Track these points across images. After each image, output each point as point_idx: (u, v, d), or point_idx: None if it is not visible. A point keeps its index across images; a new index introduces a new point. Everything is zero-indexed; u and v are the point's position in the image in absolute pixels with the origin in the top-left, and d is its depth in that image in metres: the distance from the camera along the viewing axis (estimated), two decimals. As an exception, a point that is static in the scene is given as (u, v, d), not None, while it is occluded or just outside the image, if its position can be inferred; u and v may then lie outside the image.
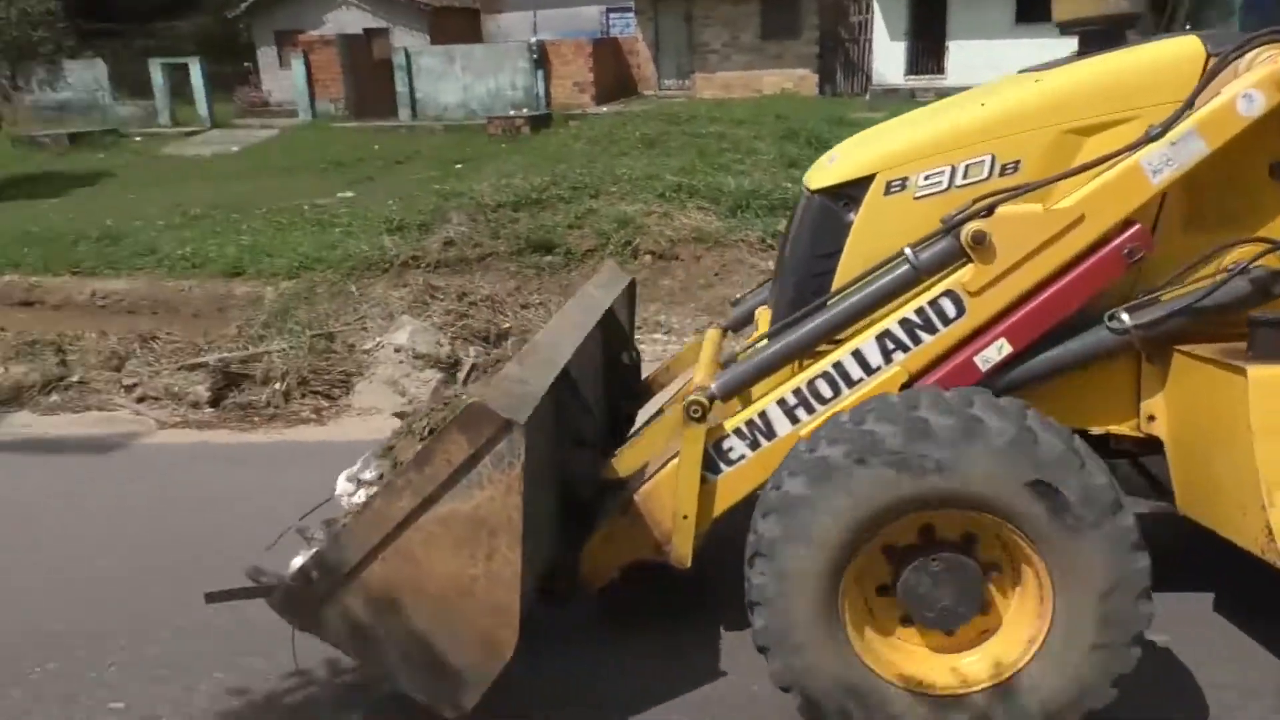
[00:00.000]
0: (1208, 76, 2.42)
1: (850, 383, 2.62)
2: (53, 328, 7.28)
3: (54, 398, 5.99)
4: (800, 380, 2.64)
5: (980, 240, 2.53)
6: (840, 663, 2.36)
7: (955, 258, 2.57)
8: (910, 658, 2.43)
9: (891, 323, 2.61)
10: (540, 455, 2.52)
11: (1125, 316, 2.54)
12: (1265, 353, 2.39)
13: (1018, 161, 2.59)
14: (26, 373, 6.19)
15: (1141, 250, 2.50)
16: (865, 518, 2.31)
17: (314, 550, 2.50)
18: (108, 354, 6.31)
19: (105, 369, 6.23)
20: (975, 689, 2.36)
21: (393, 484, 2.34)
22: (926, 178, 2.64)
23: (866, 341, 2.62)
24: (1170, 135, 2.45)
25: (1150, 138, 2.46)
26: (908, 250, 2.59)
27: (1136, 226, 2.51)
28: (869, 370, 2.61)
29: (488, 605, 2.35)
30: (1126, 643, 2.28)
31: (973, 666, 2.40)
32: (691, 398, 2.63)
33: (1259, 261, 2.50)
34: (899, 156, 2.68)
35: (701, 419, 2.62)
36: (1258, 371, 2.35)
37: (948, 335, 2.60)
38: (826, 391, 2.63)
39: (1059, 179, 2.53)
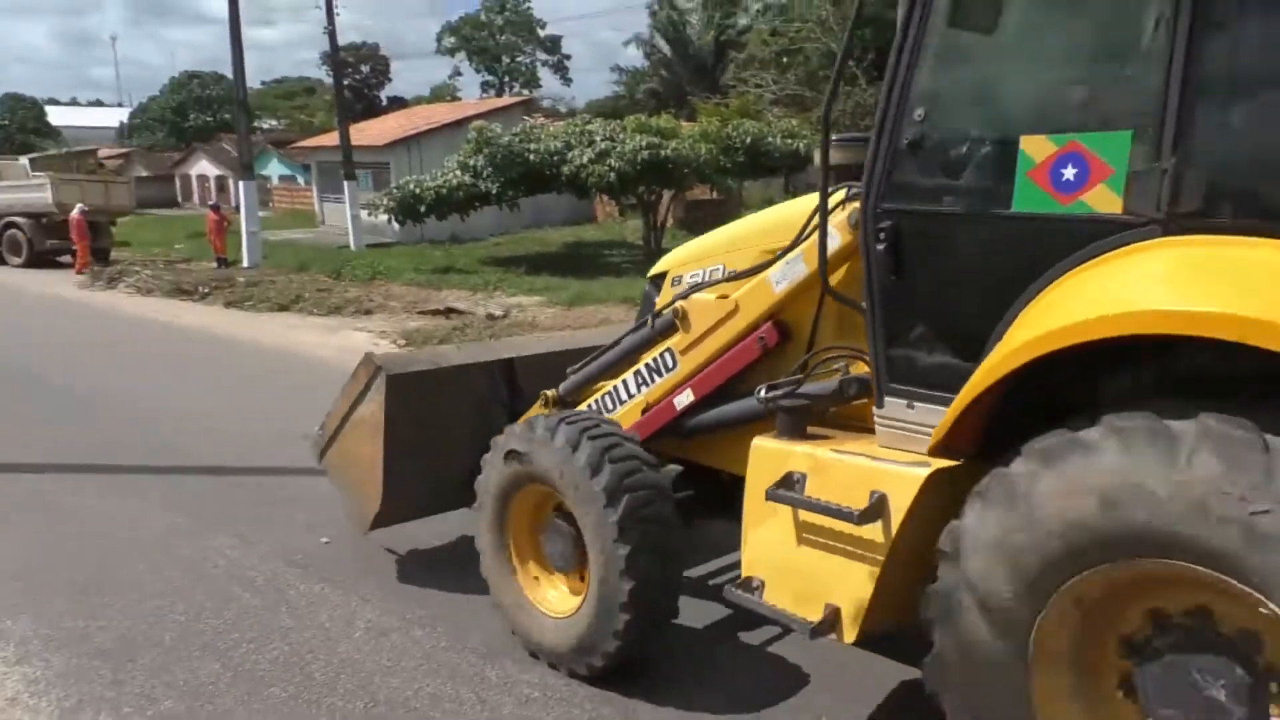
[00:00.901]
0: (817, 214, 3.03)
1: (621, 402, 3.94)
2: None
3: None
4: (598, 394, 4.07)
5: (682, 315, 3.71)
6: None
7: (674, 327, 3.75)
8: None
9: (640, 366, 3.87)
10: (440, 400, 4.46)
11: (763, 392, 3.23)
12: (782, 429, 3.05)
13: (736, 270, 3.56)
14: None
15: (771, 341, 3.40)
16: (505, 484, 3.78)
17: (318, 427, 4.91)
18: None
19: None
20: None
21: (344, 392, 4.60)
22: (691, 276, 3.76)
23: (628, 376, 3.94)
24: (786, 258, 3.32)
25: (777, 259, 3.35)
26: (649, 318, 3.86)
27: (769, 323, 3.42)
28: (630, 395, 3.91)
29: (373, 478, 4.45)
30: None
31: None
32: (547, 392, 4.35)
33: (855, 366, 3.12)
34: (678, 262, 3.89)
35: (547, 405, 4.33)
36: (757, 440, 3.06)
37: (667, 381, 3.77)
38: (610, 404, 3.97)
39: (730, 280, 3.57)
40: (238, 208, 23.50)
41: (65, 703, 3.85)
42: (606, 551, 3.39)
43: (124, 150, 58.93)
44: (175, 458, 7.00)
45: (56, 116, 75.10)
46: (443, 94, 71.78)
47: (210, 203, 25.94)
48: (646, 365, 3.84)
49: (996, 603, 2.15)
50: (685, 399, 3.69)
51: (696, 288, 3.68)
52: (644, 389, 3.84)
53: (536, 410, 4.38)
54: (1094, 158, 2.33)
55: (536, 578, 3.88)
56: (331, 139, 30.10)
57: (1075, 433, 2.09)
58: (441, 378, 4.54)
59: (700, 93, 34.87)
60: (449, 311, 14.35)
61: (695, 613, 4.20)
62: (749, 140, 19.49)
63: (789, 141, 19.74)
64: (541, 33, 73.98)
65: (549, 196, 21.22)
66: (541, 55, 74.88)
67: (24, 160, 31.15)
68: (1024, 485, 2.13)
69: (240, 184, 22.26)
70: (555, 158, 18.51)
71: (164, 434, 7.67)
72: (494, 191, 18.83)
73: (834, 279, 3.04)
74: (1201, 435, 1.87)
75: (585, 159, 18.00)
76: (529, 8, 73.95)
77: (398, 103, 73.47)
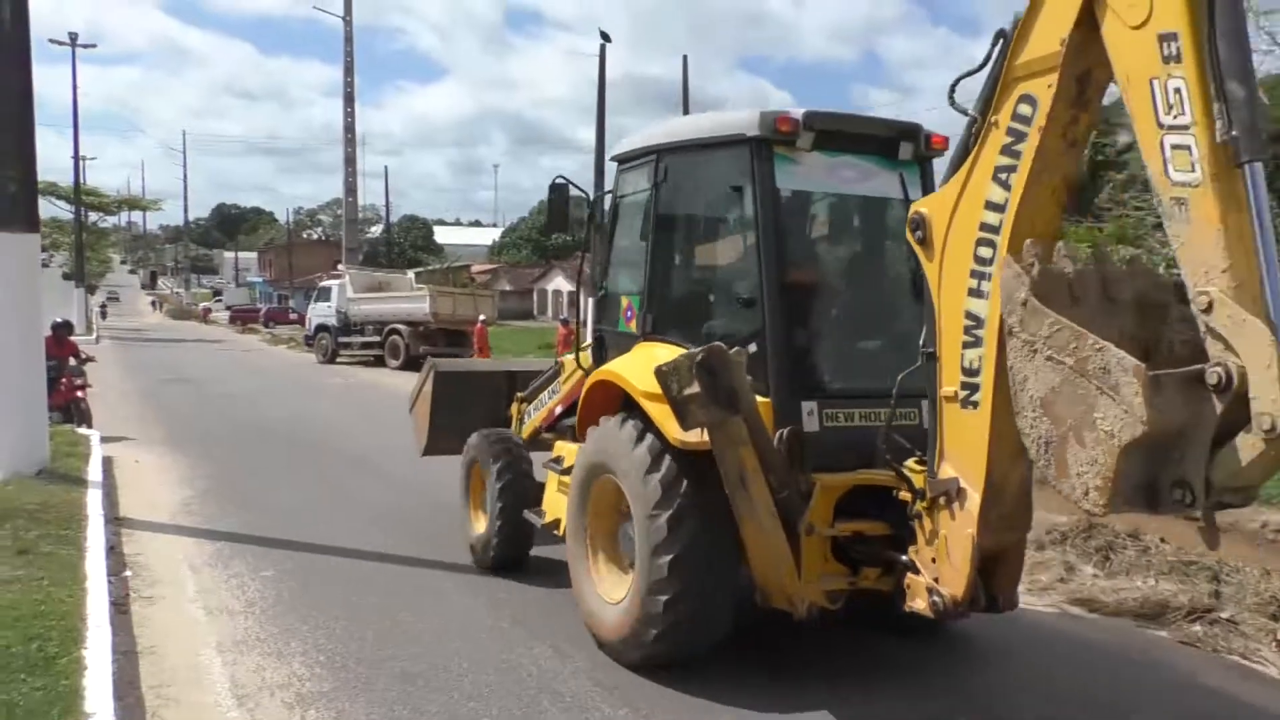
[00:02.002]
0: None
1: (543, 404, 7.46)
2: (1207, 554, 6.65)
3: (1196, 627, 5.50)
4: (538, 399, 7.59)
5: (561, 367, 7.31)
6: None
7: (559, 372, 7.35)
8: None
9: (549, 389, 7.41)
10: (469, 391, 8.45)
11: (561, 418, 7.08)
12: (562, 435, 7.14)
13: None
14: (1175, 593, 5.88)
15: (578, 391, 6.51)
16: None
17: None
18: (1266, 598, 5.71)
19: (1260, 614, 5.67)
20: None
21: (419, 379, 8.91)
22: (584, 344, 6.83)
23: (545, 393, 7.45)
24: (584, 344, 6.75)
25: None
26: (556, 363, 7.60)
27: (580, 378, 6.58)
28: (545, 403, 7.43)
29: (423, 427, 8.60)
30: None
31: None
32: (519, 394, 7.88)
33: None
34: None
35: (518, 402, 7.86)
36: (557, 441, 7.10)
37: (554, 400, 7.27)
38: (540, 404, 7.50)
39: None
40: (585, 322, 25.42)
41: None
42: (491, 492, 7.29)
43: (493, 266, 66.69)
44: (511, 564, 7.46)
45: (442, 235, 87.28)
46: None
47: (561, 317, 28.40)
48: (550, 389, 7.44)
49: (575, 491, 5.84)
50: (558, 410, 7.29)
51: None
52: (550, 400, 7.41)
53: (515, 405, 7.92)
54: (632, 306, 5.96)
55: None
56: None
57: (600, 425, 5.66)
58: (467, 377, 8.74)
59: (1069, 215, 33.05)
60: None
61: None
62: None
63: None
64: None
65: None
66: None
67: (411, 274, 36.33)
68: (587, 446, 5.71)
69: (589, 300, 24.15)
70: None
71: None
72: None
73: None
74: (612, 425, 5.49)
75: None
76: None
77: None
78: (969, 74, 4.15)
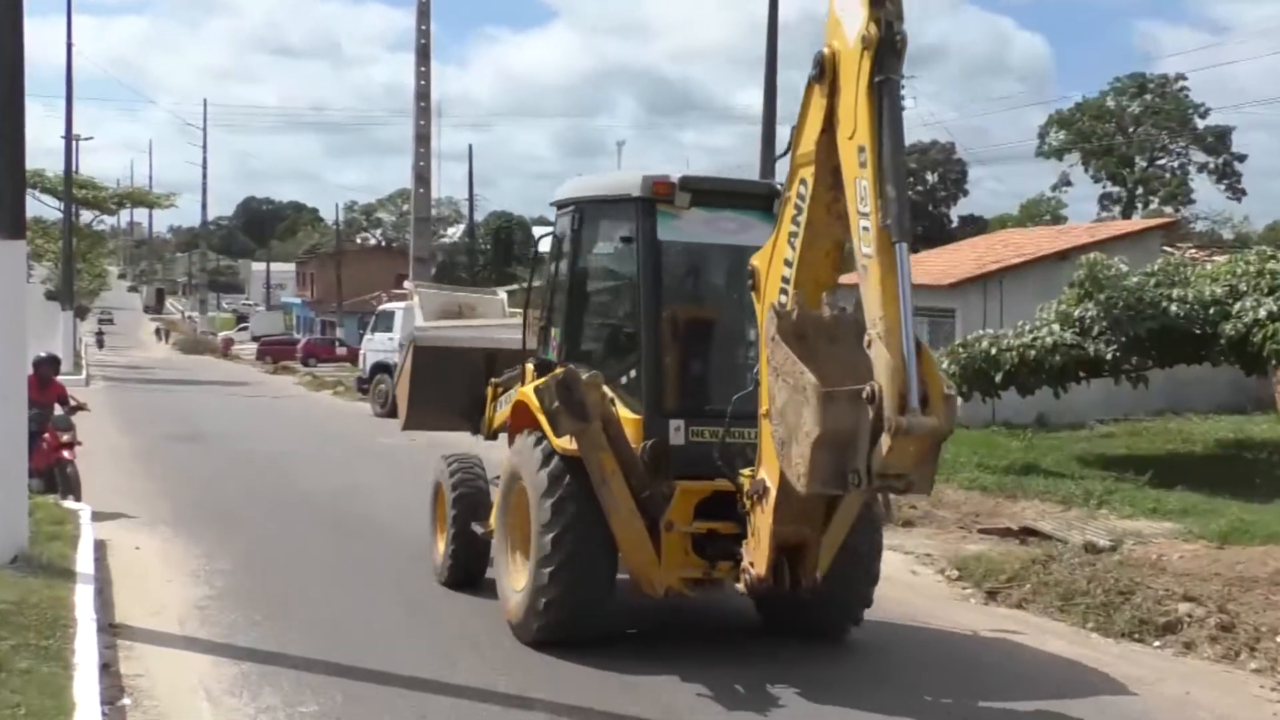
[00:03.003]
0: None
1: (509, 400, 10.40)
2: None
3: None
4: (511, 393, 10.42)
5: (526, 373, 10.18)
6: None
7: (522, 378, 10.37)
8: None
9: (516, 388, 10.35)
10: (449, 366, 11.82)
11: None
12: None
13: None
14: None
15: None
16: None
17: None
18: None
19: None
20: None
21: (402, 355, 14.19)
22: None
23: (513, 389, 10.31)
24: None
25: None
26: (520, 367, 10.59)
27: None
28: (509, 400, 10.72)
29: (403, 400, 12.49)
30: None
31: None
32: (494, 380, 11.23)
33: None
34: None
35: (493, 388, 11.15)
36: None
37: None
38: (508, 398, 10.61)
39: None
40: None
41: None
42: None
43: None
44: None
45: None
46: (1038, 211, 72.71)
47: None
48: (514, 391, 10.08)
49: (499, 498, 9.62)
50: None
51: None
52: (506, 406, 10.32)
53: (491, 390, 10.93)
54: (555, 337, 9.62)
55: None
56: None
57: (517, 440, 9.44)
58: (447, 353, 11.45)
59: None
60: (1026, 533, 14.07)
61: None
62: None
63: None
64: (1201, 123, 71.94)
65: (1197, 369, 20.40)
66: (1198, 156, 72.74)
67: (503, 294, 36.96)
68: (508, 459, 9.40)
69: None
70: (1212, 310, 17.89)
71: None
72: (1108, 357, 18.52)
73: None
74: (524, 439, 9.23)
75: (1263, 313, 17.23)
76: (1184, 88, 72.16)
77: (972, 224, 76.02)
78: (779, 157, 8.07)
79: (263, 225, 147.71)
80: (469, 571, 10.56)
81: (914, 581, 12.01)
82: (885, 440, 6.38)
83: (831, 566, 8.28)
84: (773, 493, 7.46)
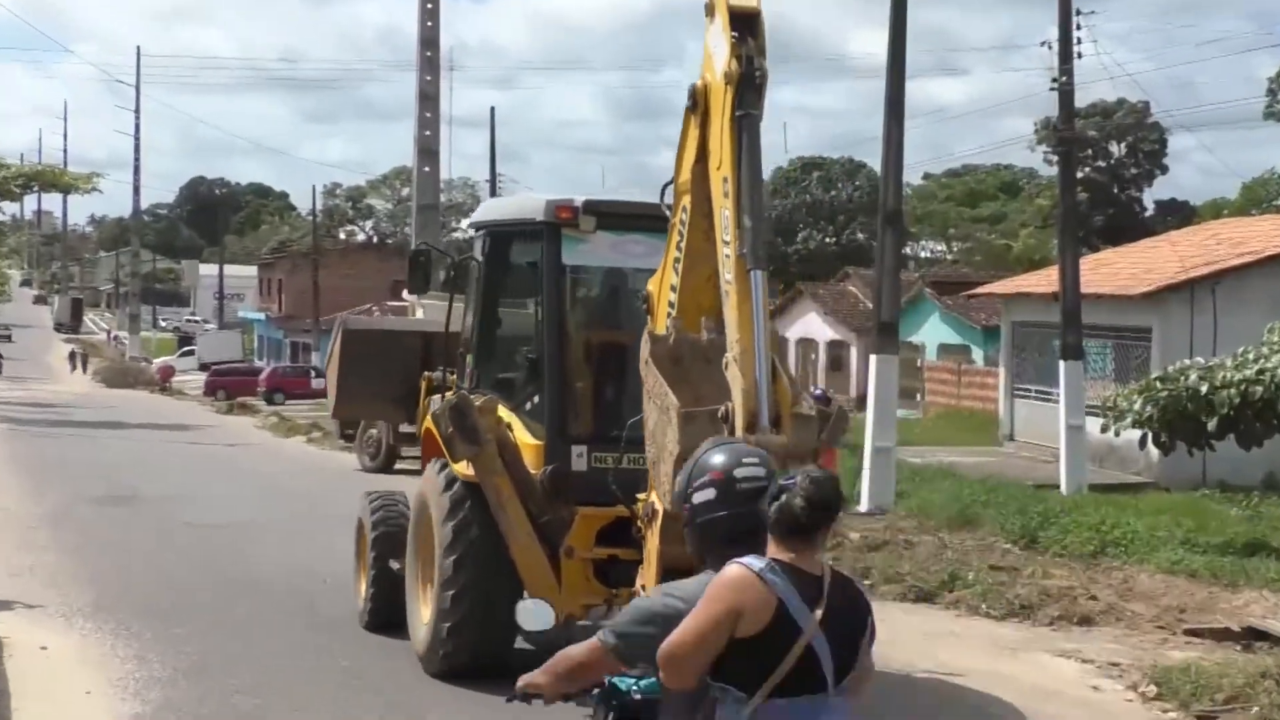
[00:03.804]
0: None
1: None
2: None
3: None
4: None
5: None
6: None
7: None
8: None
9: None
10: (380, 352, 14.82)
11: None
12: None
13: None
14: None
15: None
16: None
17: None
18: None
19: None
20: None
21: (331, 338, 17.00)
22: None
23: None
24: None
25: None
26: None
27: None
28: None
29: (333, 387, 15.60)
30: None
31: None
32: (430, 374, 13.78)
33: None
34: None
35: (429, 381, 13.47)
36: None
37: None
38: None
39: None
40: (862, 399, 25.33)
41: None
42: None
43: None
44: None
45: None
46: (1265, 194, 71.94)
47: (815, 390, 28.43)
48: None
49: (411, 529, 12.65)
50: None
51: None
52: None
53: (425, 382, 13.12)
54: (469, 363, 12.70)
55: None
56: (1041, 280, 31.46)
57: (426, 469, 12.75)
58: (377, 336, 14.98)
59: None
60: (1252, 636, 13.87)
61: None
62: None
63: None
64: None
65: None
66: None
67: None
68: (418, 488, 12.60)
69: (872, 359, 24.17)
70: None
71: None
72: (1366, 395, 18.17)
73: None
74: (431, 468, 12.37)
75: None
76: None
77: (1174, 211, 75.38)
78: (666, 185, 9.80)
79: (215, 215, 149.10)
80: (391, 614, 12.74)
81: (1095, 700, 11.86)
82: None
83: None
84: (660, 514, 9.03)
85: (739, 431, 7.96)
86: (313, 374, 64.08)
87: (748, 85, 8.55)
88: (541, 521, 10.81)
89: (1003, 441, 33.32)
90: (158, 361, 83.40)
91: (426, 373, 13.37)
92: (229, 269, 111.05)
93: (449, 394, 11.67)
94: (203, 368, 79.01)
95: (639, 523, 9.53)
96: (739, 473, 5.03)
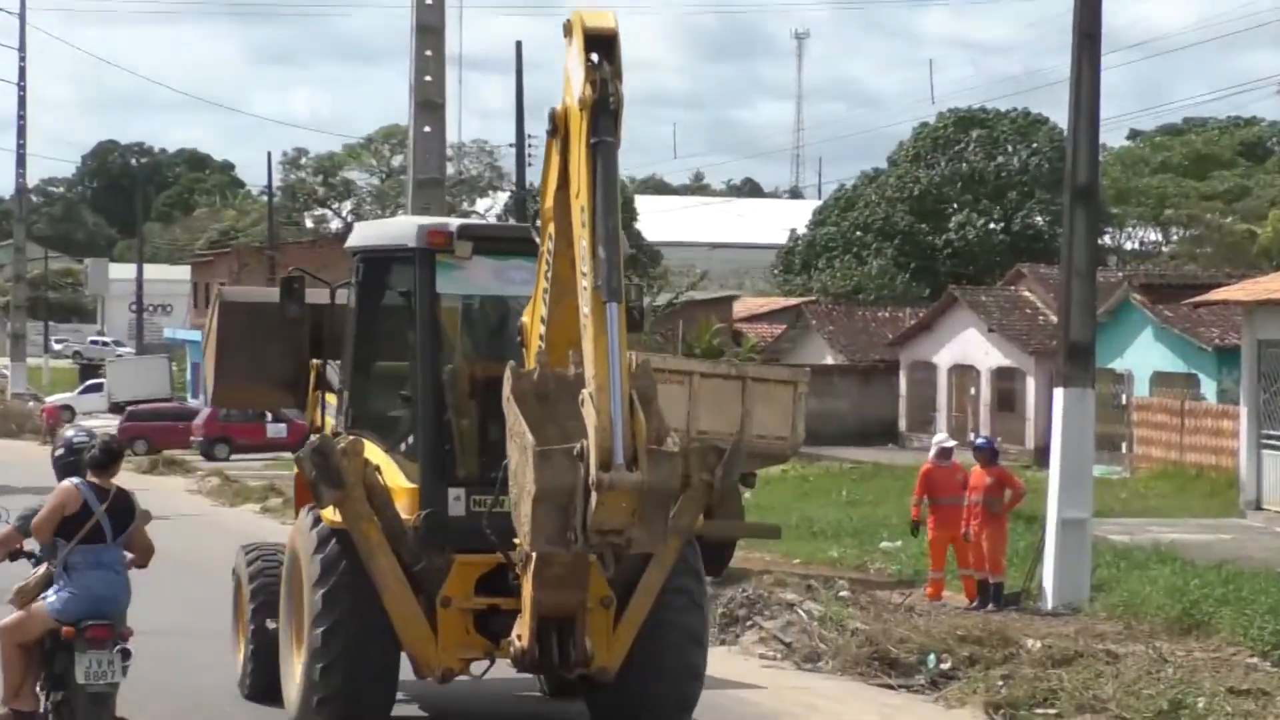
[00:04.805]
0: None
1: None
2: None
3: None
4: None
5: None
6: None
7: None
8: None
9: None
10: (263, 330, 18.97)
11: None
12: None
13: None
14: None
15: None
16: None
17: None
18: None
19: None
20: None
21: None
22: None
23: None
24: None
25: None
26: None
27: None
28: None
29: (211, 371, 21.67)
30: None
31: None
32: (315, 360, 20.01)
33: None
34: None
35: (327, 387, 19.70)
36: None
37: None
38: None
39: None
40: (1042, 451, 25.16)
41: None
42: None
43: (795, 302, 67.77)
44: None
45: (656, 223, 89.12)
46: None
47: (979, 439, 28.47)
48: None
49: (283, 584, 16.60)
50: None
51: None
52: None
53: (312, 371, 17.76)
54: (344, 403, 17.99)
55: None
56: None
57: (298, 520, 18.17)
58: (260, 310, 18.63)
59: None
60: None
61: None
62: None
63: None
64: None
65: None
66: None
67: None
68: (289, 541, 16.94)
69: (1056, 393, 24.07)
70: None
71: None
72: None
73: None
74: (301, 518, 17.21)
75: None
76: None
77: None
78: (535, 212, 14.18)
79: (130, 195, 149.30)
80: (274, 677, 15.51)
81: None
82: (594, 496, 11.00)
83: (639, 656, 13.97)
84: (533, 559, 11.57)
85: (593, 470, 10.43)
86: (267, 418, 64.45)
87: (602, 111, 11.08)
88: (415, 569, 13.68)
89: (1245, 511, 33.28)
90: (50, 400, 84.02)
91: (315, 360, 16.76)
92: (151, 270, 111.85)
93: (314, 435, 14.65)
94: (115, 409, 79.68)
95: (517, 569, 12.09)
96: (75, 440, 13.07)
